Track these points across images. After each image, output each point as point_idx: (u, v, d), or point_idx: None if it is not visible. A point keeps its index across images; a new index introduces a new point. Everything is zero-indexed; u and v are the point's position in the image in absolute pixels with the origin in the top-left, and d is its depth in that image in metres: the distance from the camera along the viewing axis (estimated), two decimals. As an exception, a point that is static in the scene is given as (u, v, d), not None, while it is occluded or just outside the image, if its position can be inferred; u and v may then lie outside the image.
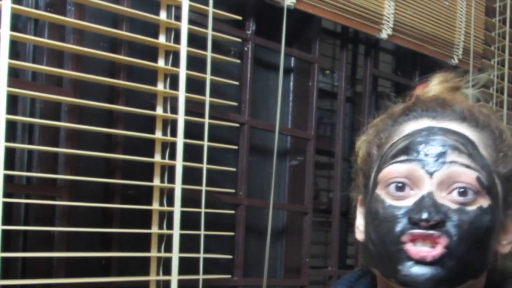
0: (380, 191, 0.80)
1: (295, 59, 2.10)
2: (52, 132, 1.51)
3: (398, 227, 0.76)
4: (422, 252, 0.75)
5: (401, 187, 0.78)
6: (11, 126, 1.41)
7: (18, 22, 1.48)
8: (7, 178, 1.33)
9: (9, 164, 1.36)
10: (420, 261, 0.75)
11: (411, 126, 0.82)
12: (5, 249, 1.28)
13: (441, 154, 0.78)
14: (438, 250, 0.75)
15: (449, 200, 0.77)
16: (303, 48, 2.09)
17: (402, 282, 0.76)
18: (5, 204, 1.28)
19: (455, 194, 0.77)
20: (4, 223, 1.26)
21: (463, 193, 0.76)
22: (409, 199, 0.77)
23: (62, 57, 1.51)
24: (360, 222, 0.87)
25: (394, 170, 0.79)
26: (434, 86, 0.89)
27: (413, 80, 2.42)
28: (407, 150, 0.79)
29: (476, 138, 0.81)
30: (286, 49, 1.80)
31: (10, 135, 1.42)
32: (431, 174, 0.77)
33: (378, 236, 0.78)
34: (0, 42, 1.28)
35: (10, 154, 1.41)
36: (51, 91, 1.45)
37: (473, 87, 0.90)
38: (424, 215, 0.74)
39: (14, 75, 1.43)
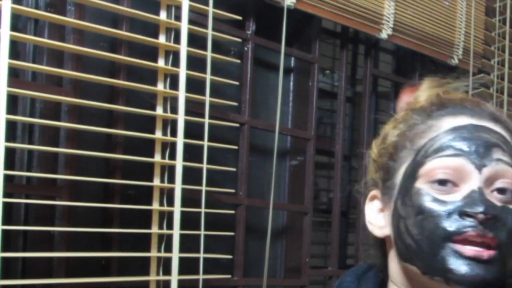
0: (422, 185, 0.79)
1: (295, 59, 2.10)
2: (52, 132, 1.51)
3: (449, 223, 0.76)
4: (476, 250, 0.74)
5: (445, 182, 0.78)
6: (11, 126, 1.41)
7: (18, 22, 1.48)
8: (7, 178, 1.33)
9: (9, 164, 1.36)
10: (474, 259, 0.74)
11: (450, 122, 0.82)
12: (5, 249, 1.28)
13: (488, 152, 0.78)
14: (492, 250, 0.74)
15: (493, 197, 0.77)
16: (303, 48, 2.09)
17: (454, 280, 0.75)
18: (5, 204, 1.28)
19: (496, 191, 0.77)
20: (4, 223, 1.26)
21: (503, 191, 0.77)
22: (456, 194, 0.77)
23: (62, 57, 1.51)
24: (373, 217, 0.86)
25: (442, 164, 0.79)
26: (423, 91, 0.88)
27: (413, 80, 2.42)
28: (454, 145, 0.79)
29: (510, 139, 0.82)
30: (286, 49, 1.80)
31: (10, 135, 1.42)
32: (479, 169, 0.77)
33: (422, 231, 0.77)
34: (0, 42, 1.28)
35: (10, 154, 1.41)
36: (51, 91, 1.45)
37: (467, 91, 0.91)
38: (481, 208, 0.74)
39: (14, 75, 1.43)
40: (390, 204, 0.84)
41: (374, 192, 0.87)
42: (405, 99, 0.90)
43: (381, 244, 0.88)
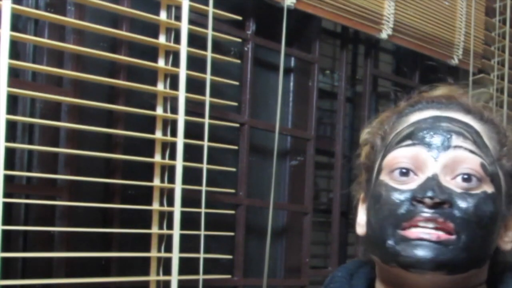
0: (384, 177, 0.80)
1: (295, 59, 2.10)
2: (52, 132, 1.51)
3: (400, 210, 0.76)
4: (425, 233, 0.74)
5: (405, 172, 0.78)
6: (11, 126, 1.41)
7: (18, 22, 1.48)
8: (7, 178, 1.33)
9: (9, 164, 1.36)
10: (423, 240, 0.73)
11: (416, 116, 0.83)
12: (5, 249, 1.28)
13: (446, 139, 0.78)
14: (443, 232, 0.74)
15: (453, 184, 0.76)
16: (303, 48, 2.09)
17: (404, 264, 0.74)
18: (5, 204, 1.28)
19: (459, 179, 0.77)
20: (4, 223, 1.26)
21: (467, 179, 0.77)
22: (414, 183, 0.77)
23: (62, 57, 1.51)
24: (361, 218, 0.86)
25: (399, 154, 0.79)
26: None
27: (413, 80, 2.42)
28: (412, 135, 0.80)
29: (481, 129, 0.82)
30: (286, 49, 1.80)
31: (10, 135, 1.42)
32: (435, 157, 0.77)
33: (377, 219, 0.78)
34: (0, 42, 1.28)
35: (10, 154, 1.41)
36: (51, 91, 1.45)
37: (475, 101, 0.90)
38: (429, 193, 0.74)
39: (14, 75, 1.43)
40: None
41: (363, 194, 0.88)
42: None
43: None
